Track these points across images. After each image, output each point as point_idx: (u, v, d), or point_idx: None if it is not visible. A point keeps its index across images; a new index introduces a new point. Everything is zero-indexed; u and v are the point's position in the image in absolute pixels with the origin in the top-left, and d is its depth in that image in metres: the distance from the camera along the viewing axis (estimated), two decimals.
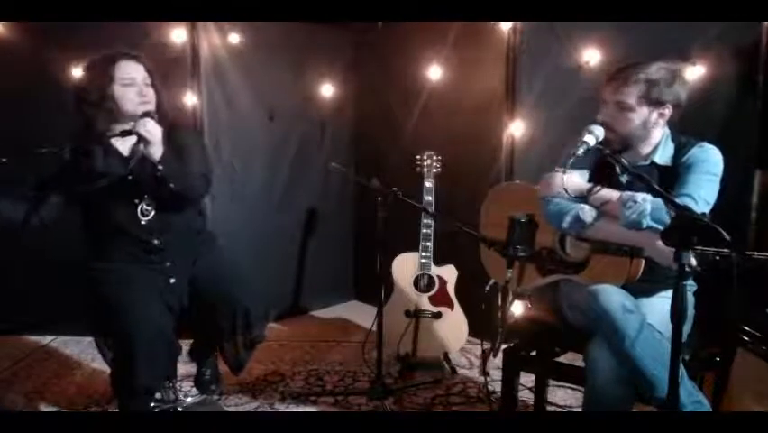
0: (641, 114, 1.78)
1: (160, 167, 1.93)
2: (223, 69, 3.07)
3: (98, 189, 1.95)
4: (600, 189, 1.75)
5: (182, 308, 2.09)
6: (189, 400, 2.32)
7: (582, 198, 1.81)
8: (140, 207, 2.04)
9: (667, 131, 1.86)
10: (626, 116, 1.78)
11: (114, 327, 1.92)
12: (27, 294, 3.02)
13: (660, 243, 1.37)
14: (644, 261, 1.73)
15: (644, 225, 1.64)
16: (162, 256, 2.07)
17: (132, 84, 1.99)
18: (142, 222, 2.04)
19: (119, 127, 1.99)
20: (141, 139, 1.92)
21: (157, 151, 1.93)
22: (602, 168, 1.87)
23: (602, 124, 1.78)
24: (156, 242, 2.06)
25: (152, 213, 2.06)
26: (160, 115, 2.08)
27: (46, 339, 3.04)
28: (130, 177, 1.99)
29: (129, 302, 1.92)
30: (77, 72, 2.85)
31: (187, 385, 2.48)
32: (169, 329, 1.99)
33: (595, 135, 1.71)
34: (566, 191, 1.74)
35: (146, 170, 1.99)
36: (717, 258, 1.28)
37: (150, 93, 2.04)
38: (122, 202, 2.03)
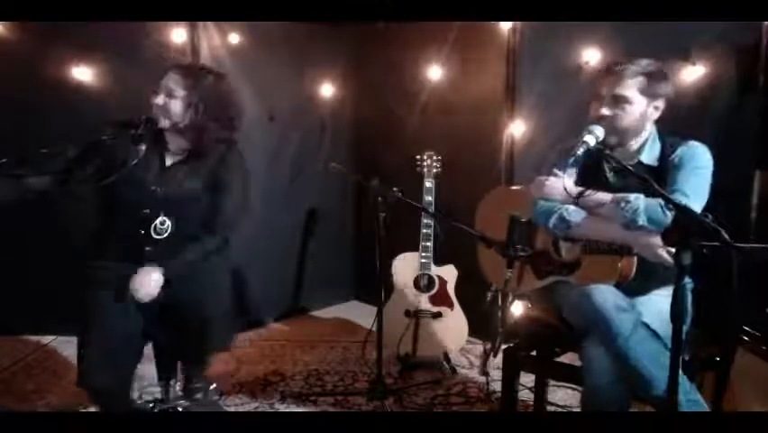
0: (639, 107, 1.79)
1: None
2: (223, 69, 3.06)
3: (109, 190, 1.95)
4: (591, 192, 1.76)
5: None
6: (184, 401, 2.31)
7: (573, 199, 1.81)
8: (154, 223, 2.00)
9: (654, 130, 1.87)
10: (625, 110, 1.79)
11: (80, 324, 1.90)
12: (27, 294, 3.02)
13: (645, 239, 1.38)
14: (636, 259, 1.74)
15: (640, 223, 1.66)
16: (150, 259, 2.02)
17: (156, 92, 1.99)
18: (152, 236, 2.01)
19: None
20: (138, 139, 1.93)
21: None
22: (592, 167, 1.88)
23: (598, 119, 1.80)
24: (148, 248, 2.01)
25: (167, 231, 2.01)
26: (195, 133, 2.02)
27: (46, 339, 3.03)
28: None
29: (94, 302, 1.90)
30: (78, 72, 2.86)
31: None
32: (136, 332, 1.95)
33: (595, 135, 1.72)
34: (566, 191, 1.75)
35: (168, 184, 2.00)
36: (705, 251, 1.28)
37: (174, 106, 1.97)
38: (131, 210, 2.00)
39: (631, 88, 1.77)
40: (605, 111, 1.80)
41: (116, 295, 1.92)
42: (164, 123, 2.00)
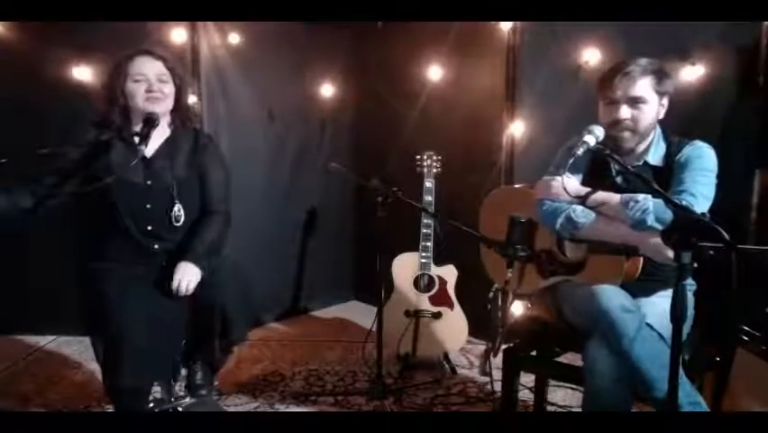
0: (653, 105, 1.80)
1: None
2: (223, 69, 3.07)
3: (109, 189, 1.95)
4: (598, 192, 1.75)
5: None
6: (189, 399, 2.32)
7: (580, 200, 1.81)
8: (173, 211, 2.03)
9: (659, 130, 1.87)
10: (642, 110, 1.78)
11: (102, 327, 1.91)
12: (27, 294, 3.02)
13: (653, 240, 1.37)
14: (642, 259, 1.73)
15: (649, 223, 1.64)
16: (158, 258, 2.06)
17: (143, 80, 1.98)
18: (149, 228, 2.03)
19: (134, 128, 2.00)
20: (143, 139, 1.93)
21: None
22: (598, 168, 1.88)
23: (615, 123, 1.79)
24: (156, 246, 2.04)
25: (183, 218, 2.05)
26: (180, 113, 2.08)
27: (46, 339, 3.04)
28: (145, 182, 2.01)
29: (118, 303, 1.90)
30: (78, 72, 2.86)
31: None
32: (160, 330, 1.96)
33: (595, 135, 1.71)
34: (566, 192, 1.74)
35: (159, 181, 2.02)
36: (712, 252, 1.28)
37: (166, 89, 2.01)
38: (129, 206, 2.02)
39: (645, 88, 1.77)
40: (624, 114, 1.78)
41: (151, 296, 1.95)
42: (159, 108, 2.00)
